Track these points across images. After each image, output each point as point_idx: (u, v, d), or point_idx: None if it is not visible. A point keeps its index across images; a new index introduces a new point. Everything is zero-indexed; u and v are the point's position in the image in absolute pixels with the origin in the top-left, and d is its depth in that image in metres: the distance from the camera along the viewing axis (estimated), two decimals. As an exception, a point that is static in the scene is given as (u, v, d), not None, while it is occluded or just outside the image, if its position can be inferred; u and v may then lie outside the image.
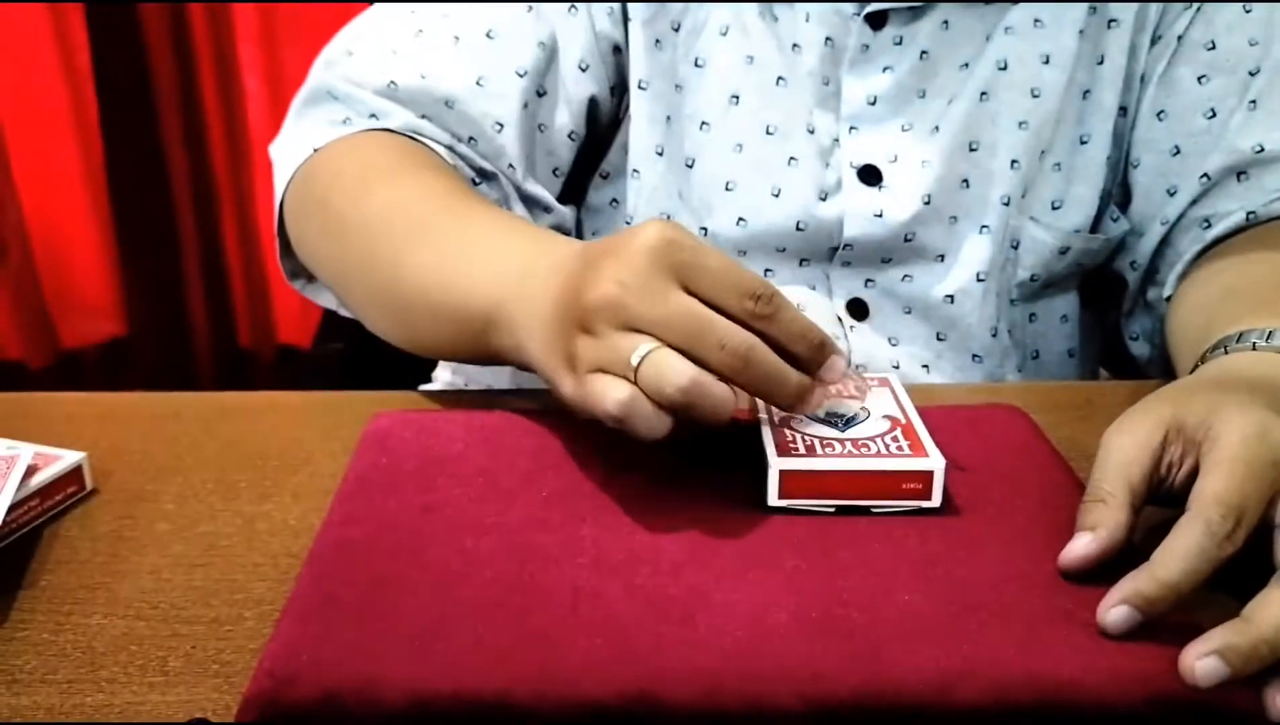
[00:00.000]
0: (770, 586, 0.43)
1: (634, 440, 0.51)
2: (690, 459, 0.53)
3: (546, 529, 0.47)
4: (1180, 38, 0.73)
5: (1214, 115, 0.72)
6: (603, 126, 0.77)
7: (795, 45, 0.73)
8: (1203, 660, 0.39)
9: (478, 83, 0.71)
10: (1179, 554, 0.41)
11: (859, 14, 0.71)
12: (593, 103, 0.74)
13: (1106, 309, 0.84)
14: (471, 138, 0.72)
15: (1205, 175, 0.72)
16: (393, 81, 0.71)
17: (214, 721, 0.39)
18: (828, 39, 0.72)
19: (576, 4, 0.73)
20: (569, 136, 0.74)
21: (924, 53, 0.72)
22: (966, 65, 0.73)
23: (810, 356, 0.48)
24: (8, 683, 0.41)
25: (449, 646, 0.40)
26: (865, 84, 0.73)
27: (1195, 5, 0.72)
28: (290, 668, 0.39)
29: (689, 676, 0.38)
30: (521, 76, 0.72)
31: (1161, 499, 0.47)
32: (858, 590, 0.43)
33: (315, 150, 0.70)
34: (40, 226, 2.03)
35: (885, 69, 0.72)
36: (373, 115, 0.71)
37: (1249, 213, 0.70)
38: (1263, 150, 0.71)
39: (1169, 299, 0.72)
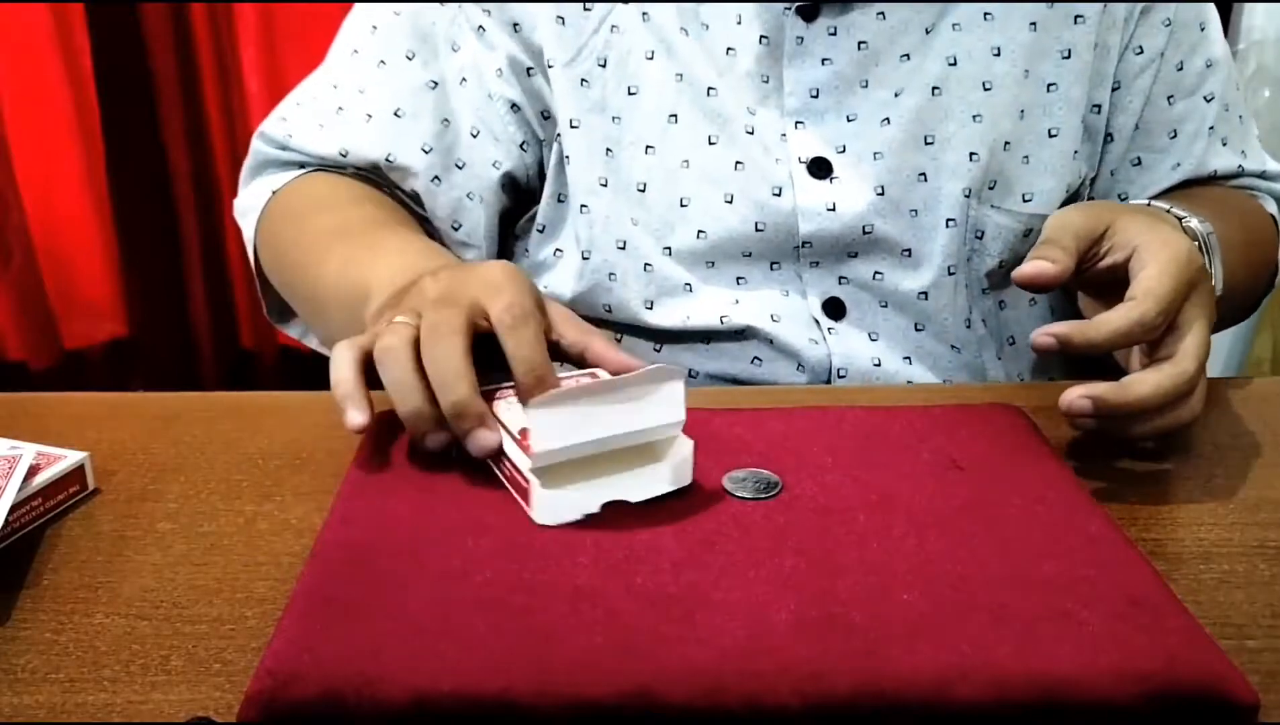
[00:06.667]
0: (770, 586, 0.43)
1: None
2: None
3: (546, 529, 0.47)
4: (1163, 54, 0.77)
5: (1175, 136, 0.78)
6: (527, 184, 0.79)
7: (730, 49, 0.73)
8: (1079, 398, 0.54)
9: (387, 159, 0.78)
10: (1111, 324, 0.53)
11: (790, 8, 0.72)
12: (498, 166, 0.77)
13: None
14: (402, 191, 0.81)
15: (1162, 192, 0.78)
16: (321, 157, 0.79)
17: (216, 720, 0.39)
18: (763, 37, 0.73)
19: (467, 73, 0.77)
20: (479, 201, 0.78)
21: (862, 43, 0.73)
22: (908, 56, 0.74)
23: (524, 382, 0.51)
24: (10, 681, 0.42)
25: (449, 646, 0.40)
26: (805, 76, 0.73)
27: (1168, 24, 0.76)
28: (291, 666, 0.39)
29: (688, 675, 0.38)
30: (427, 153, 0.77)
31: (1082, 279, 0.59)
32: (857, 590, 0.43)
33: (274, 192, 0.80)
34: (43, 228, 2.03)
35: (824, 60, 0.73)
36: (313, 169, 0.81)
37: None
38: (1215, 175, 0.79)
39: None
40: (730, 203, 0.74)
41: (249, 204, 0.82)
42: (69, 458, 0.54)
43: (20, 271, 2.02)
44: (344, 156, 0.78)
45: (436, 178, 0.78)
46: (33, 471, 0.51)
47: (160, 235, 2.06)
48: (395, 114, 0.77)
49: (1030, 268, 0.56)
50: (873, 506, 0.49)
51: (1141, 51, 0.76)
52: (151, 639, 0.44)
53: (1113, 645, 0.40)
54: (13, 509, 0.49)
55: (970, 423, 0.57)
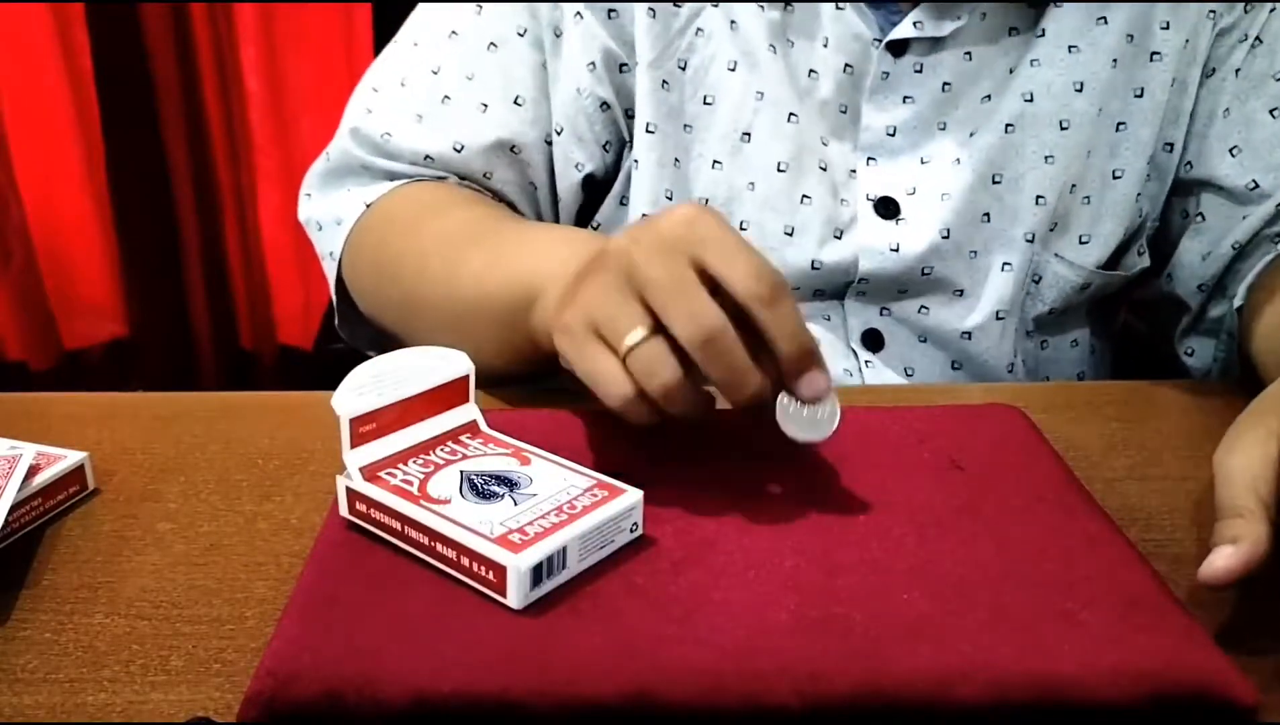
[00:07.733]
0: (770, 586, 0.43)
1: (634, 439, 0.51)
2: (690, 458, 0.53)
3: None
4: (1238, 71, 0.71)
5: None
6: (600, 182, 0.76)
7: (812, 71, 0.70)
8: None
9: (512, 150, 0.72)
10: None
11: (880, 41, 0.69)
12: (580, 167, 0.74)
13: (1113, 325, 0.83)
14: (510, 202, 0.75)
15: None
16: (428, 156, 0.72)
17: (216, 720, 0.39)
18: (847, 65, 0.70)
19: (559, 67, 0.72)
20: (559, 201, 0.75)
21: (946, 84, 0.70)
22: (989, 97, 0.71)
23: (792, 358, 0.46)
24: (10, 682, 0.42)
25: (449, 645, 0.40)
26: (885, 114, 0.71)
27: (1251, 39, 0.71)
28: (291, 666, 0.39)
29: (688, 675, 0.38)
30: (548, 144, 0.73)
31: None
32: (858, 589, 0.43)
33: (367, 206, 0.72)
34: (43, 228, 2.03)
35: (906, 99, 0.70)
36: (412, 179, 0.73)
37: None
38: None
39: (1240, 309, 0.70)
40: (790, 236, 0.71)
41: (332, 214, 0.75)
42: (69, 458, 0.54)
43: (20, 271, 2.02)
44: (458, 151, 0.72)
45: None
46: (33, 471, 0.51)
47: (160, 235, 2.06)
48: (515, 101, 0.72)
49: (1221, 564, 0.42)
50: (873, 506, 0.49)
51: (1213, 73, 0.72)
52: (151, 639, 0.44)
53: (1113, 645, 0.40)
54: (13, 509, 0.49)
55: (970, 423, 0.57)
